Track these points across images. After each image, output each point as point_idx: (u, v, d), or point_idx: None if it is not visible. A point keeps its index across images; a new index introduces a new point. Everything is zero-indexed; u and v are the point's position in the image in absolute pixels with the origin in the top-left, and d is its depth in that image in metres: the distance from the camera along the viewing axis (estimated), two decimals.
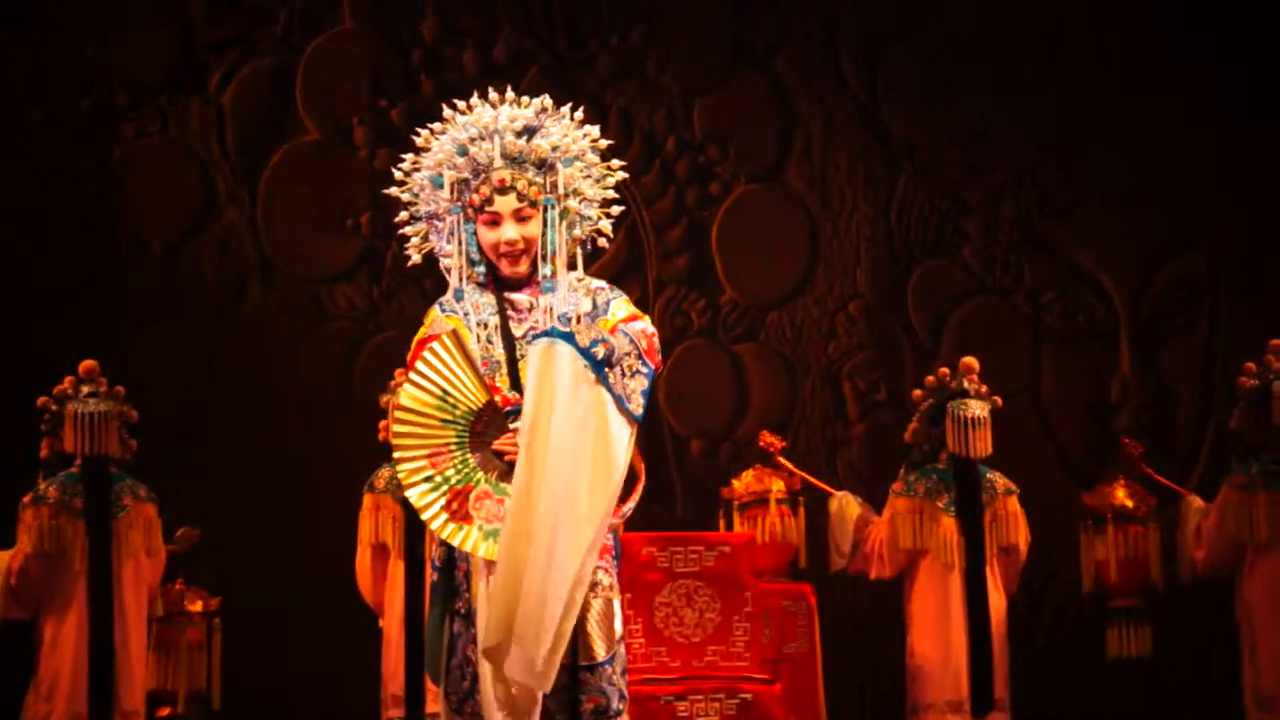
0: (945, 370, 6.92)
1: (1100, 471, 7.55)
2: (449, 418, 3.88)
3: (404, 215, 4.24)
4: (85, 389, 6.47)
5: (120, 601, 6.37)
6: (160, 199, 8.47)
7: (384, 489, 6.60)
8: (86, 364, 6.53)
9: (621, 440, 3.90)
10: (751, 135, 8.94)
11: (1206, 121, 8.82)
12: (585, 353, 3.88)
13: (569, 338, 3.89)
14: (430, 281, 8.40)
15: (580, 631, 3.95)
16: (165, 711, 6.79)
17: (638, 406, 3.94)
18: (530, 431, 3.82)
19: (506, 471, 3.87)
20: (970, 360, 6.92)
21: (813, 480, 7.31)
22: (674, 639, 6.44)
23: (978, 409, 6.77)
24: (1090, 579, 7.05)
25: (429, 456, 3.87)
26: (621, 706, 4.02)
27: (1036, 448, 8.63)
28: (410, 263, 4.25)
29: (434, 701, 6.40)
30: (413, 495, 3.85)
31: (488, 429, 3.89)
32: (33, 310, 8.05)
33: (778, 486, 7.12)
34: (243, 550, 7.71)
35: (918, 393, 6.95)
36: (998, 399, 6.87)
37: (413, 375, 3.92)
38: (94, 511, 6.36)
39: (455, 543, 3.84)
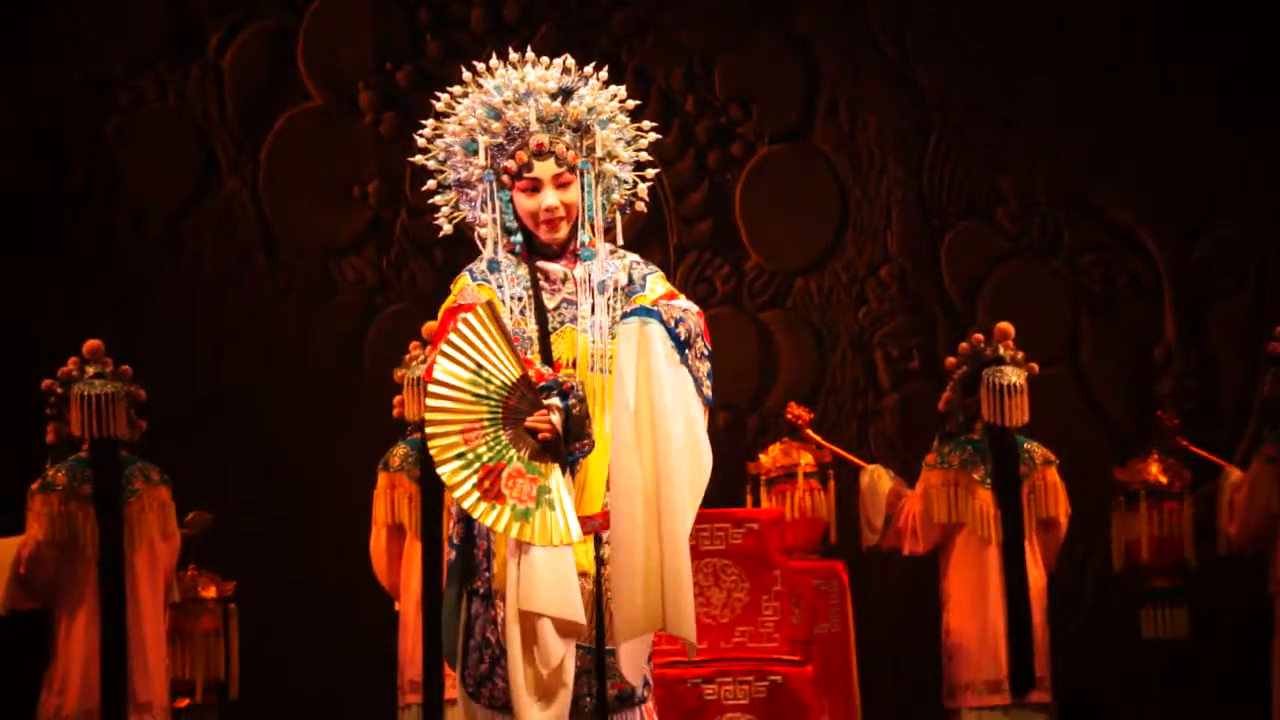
0: (979, 336, 7.01)
1: (1143, 442, 7.62)
2: (482, 392, 3.91)
3: (432, 184, 4.24)
4: (91, 370, 6.56)
5: (135, 589, 6.47)
6: (159, 169, 8.58)
7: (399, 467, 6.67)
8: (91, 343, 6.61)
9: (703, 423, 3.97)
10: (775, 94, 8.99)
11: (1250, 78, 8.83)
12: (670, 332, 3.95)
13: (658, 316, 3.95)
14: (440, 251, 8.54)
15: (606, 613, 4.02)
16: (184, 702, 6.88)
17: (709, 390, 4.01)
18: (638, 416, 3.88)
19: (539, 450, 3.92)
20: (1005, 325, 7.00)
21: (842, 453, 7.38)
22: (701, 619, 6.38)
23: (1013, 376, 6.86)
24: (1122, 557, 7.13)
25: (461, 433, 3.90)
26: (646, 693, 4.08)
27: (1076, 417, 8.70)
28: (442, 233, 4.27)
29: (453, 687, 6.52)
30: (444, 472, 3.88)
31: (521, 404, 3.93)
32: (31, 289, 8.17)
33: (806, 460, 7.21)
34: (254, 533, 7.84)
35: (951, 360, 7.04)
36: (1035, 365, 6.95)
37: (445, 347, 3.93)
38: (104, 497, 6.46)
39: (488, 523, 3.89)
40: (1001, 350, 6.95)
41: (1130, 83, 8.98)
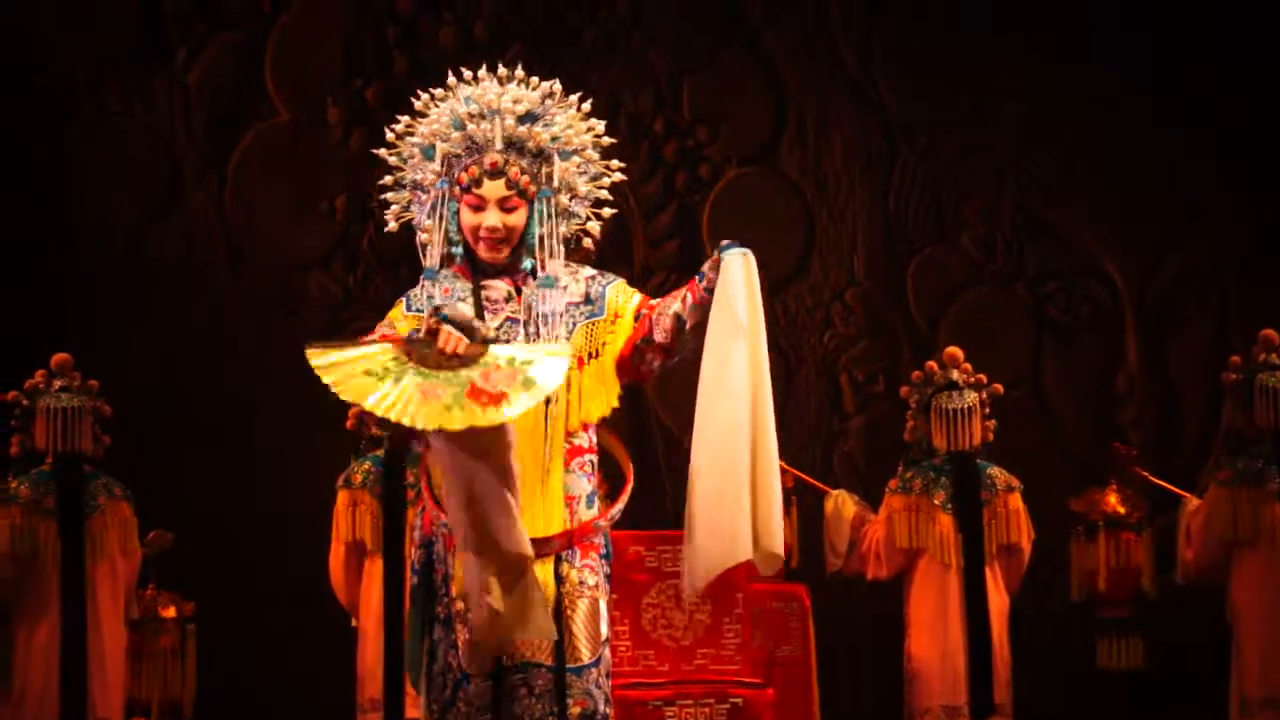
0: (933, 364, 7.06)
1: (1102, 471, 7.68)
2: (370, 355, 3.85)
3: (388, 179, 4.27)
4: (58, 383, 6.60)
5: (95, 604, 6.48)
6: (124, 181, 8.61)
7: (360, 484, 6.70)
8: (59, 357, 6.65)
9: None
10: (743, 116, 9.09)
11: (1215, 107, 8.96)
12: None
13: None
14: (406, 267, 8.56)
15: (567, 632, 4.07)
16: None
17: None
18: (754, 338, 4.06)
19: (461, 359, 3.86)
20: (954, 350, 7.04)
21: (806, 478, 7.40)
22: (662, 641, 6.51)
23: (960, 399, 6.90)
24: (1080, 587, 7.18)
25: (364, 373, 3.82)
26: (608, 711, 4.12)
27: (1039, 443, 8.78)
28: (386, 229, 4.31)
29: (413, 706, 6.52)
30: (362, 401, 3.78)
31: (419, 350, 3.86)
32: None
33: None
34: (214, 551, 7.83)
35: (905, 389, 7.10)
36: (998, 386, 6.99)
37: (332, 386, 3.82)
38: (67, 511, 6.48)
39: (407, 419, 3.76)
40: (955, 375, 6.99)
41: (1095, 111, 9.08)
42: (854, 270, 9.10)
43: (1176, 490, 7.14)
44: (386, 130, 4.24)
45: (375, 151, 4.29)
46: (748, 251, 4.08)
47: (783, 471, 7.19)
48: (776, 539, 4.05)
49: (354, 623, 6.83)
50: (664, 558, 6.58)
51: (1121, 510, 7.17)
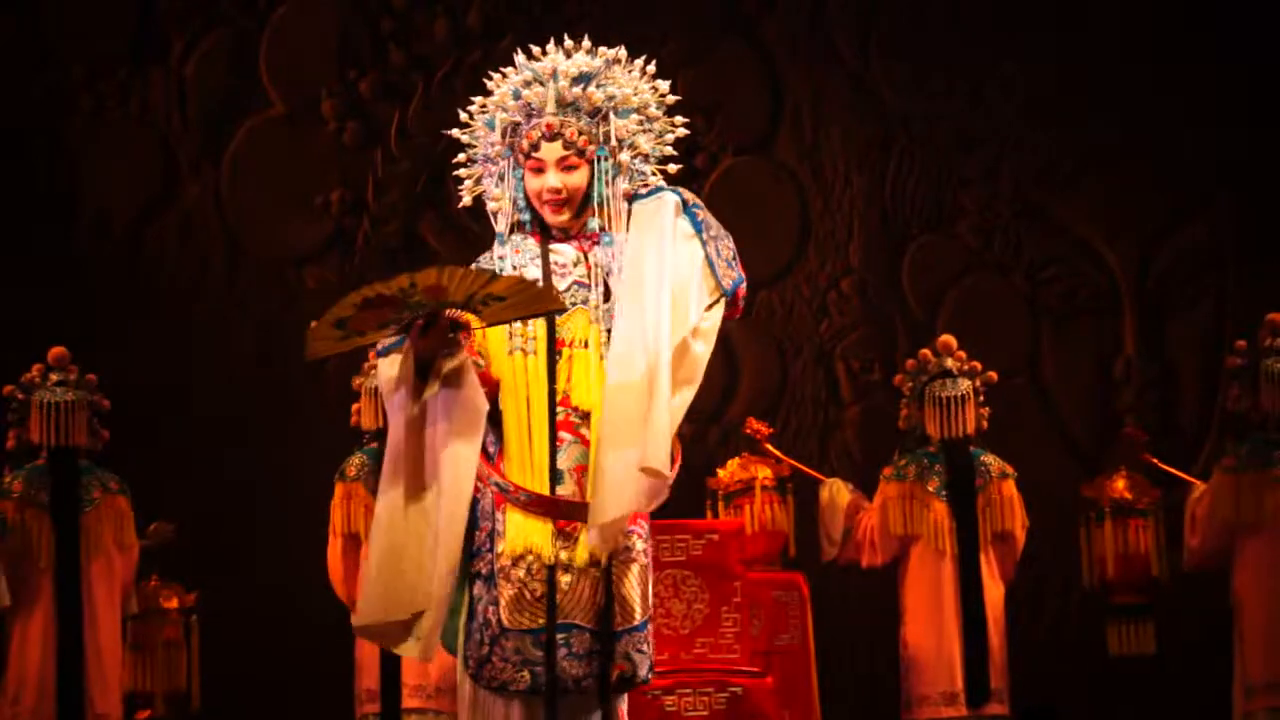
0: (926, 352, 7.07)
1: (1104, 454, 7.67)
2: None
3: (463, 156, 4.33)
4: (54, 377, 6.59)
5: (91, 599, 6.47)
6: (121, 175, 8.64)
7: (355, 477, 6.70)
8: (56, 351, 6.64)
9: (703, 301, 4.10)
10: (739, 105, 9.09)
11: (1209, 86, 8.97)
12: (688, 208, 4.13)
13: (675, 191, 4.13)
14: (405, 258, 8.59)
15: (616, 595, 4.08)
16: (145, 714, 6.90)
17: (729, 282, 4.13)
18: (632, 268, 4.07)
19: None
20: (948, 338, 7.06)
21: (801, 467, 7.41)
22: (661, 630, 6.48)
23: (954, 387, 6.91)
24: (1091, 574, 7.17)
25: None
26: (649, 675, 4.16)
27: (1037, 430, 8.80)
28: (460, 204, 4.37)
29: (410, 696, 6.55)
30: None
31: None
32: None
33: (764, 474, 7.24)
34: (213, 543, 7.85)
35: (899, 378, 7.11)
36: (992, 374, 7.00)
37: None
38: (61, 505, 6.47)
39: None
40: (949, 363, 7.00)
41: (1091, 97, 9.08)
42: (850, 259, 9.11)
43: (1185, 476, 7.13)
44: (460, 111, 4.30)
45: (446, 132, 4.35)
46: (661, 195, 4.18)
47: (778, 461, 7.38)
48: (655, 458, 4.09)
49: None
50: (661, 546, 6.57)
51: (1129, 496, 7.15)
